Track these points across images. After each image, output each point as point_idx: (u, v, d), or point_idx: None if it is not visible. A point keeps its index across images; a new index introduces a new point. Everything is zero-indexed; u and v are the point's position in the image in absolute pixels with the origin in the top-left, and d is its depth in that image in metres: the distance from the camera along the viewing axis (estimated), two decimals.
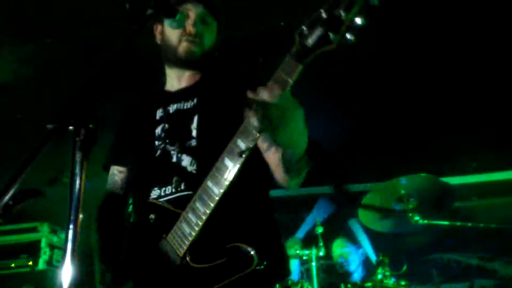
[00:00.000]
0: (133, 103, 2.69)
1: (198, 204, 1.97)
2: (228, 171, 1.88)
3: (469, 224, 4.71)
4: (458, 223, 4.70)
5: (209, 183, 1.94)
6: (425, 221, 4.59)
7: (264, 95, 1.63)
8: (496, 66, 4.95)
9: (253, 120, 1.68)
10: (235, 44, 4.13)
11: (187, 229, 2.01)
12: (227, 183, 1.89)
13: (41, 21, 4.17)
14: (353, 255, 5.56)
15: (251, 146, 1.82)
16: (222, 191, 1.91)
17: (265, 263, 1.97)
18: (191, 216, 2.00)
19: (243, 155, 1.84)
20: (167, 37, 2.47)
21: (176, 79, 2.54)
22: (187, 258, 2.02)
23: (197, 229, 1.98)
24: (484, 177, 6.68)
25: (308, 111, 1.88)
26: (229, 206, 2.00)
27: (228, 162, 1.88)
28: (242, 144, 1.83)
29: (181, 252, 2.03)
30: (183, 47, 2.42)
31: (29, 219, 6.31)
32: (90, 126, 1.32)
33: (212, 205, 1.93)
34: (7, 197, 1.27)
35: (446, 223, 4.76)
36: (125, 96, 2.68)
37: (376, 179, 6.14)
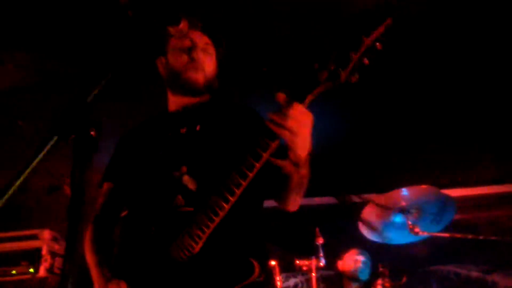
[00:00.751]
0: (134, 128, 2.76)
1: (203, 217, 2.06)
2: (235, 187, 2.03)
3: (469, 236, 4.71)
4: (458, 235, 4.70)
5: (215, 198, 2.05)
6: (425, 233, 4.60)
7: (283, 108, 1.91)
8: (497, 78, 4.96)
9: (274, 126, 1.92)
10: (239, 54, 4.16)
11: (191, 242, 2.08)
12: (232, 199, 2.04)
13: (41, 29, 4.19)
14: (367, 267, 5.49)
15: (260, 163, 2.00)
16: (227, 206, 2.04)
17: (263, 275, 2.08)
18: (195, 229, 2.07)
19: (251, 173, 2.01)
20: (171, 65, 2.58)
21: (179, 104, 2.62)
22: (190, 269, 2.09)
23: (200, 241, 2.07)
24: (484, 189, 6.68)
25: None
26: (232, 221, 2.12)
27: (236, 179, 2.03)
28: (251, 161, 2.00)
29: (183, 263, 2.09)
30: (187, 74, 2.52)
31: (30, 226, 6.31)
32: (91, 133, 1.34)
33: (216, 219, 2.05)
34: None
35: (445, 235, 4.76)
36: (125, 103, 2.70)
37: (376, 190, 6.14)
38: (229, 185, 2.04)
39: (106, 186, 2.61)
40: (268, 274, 2.34)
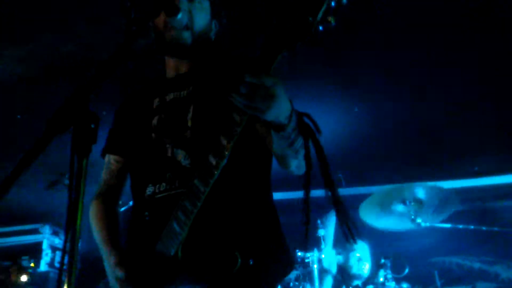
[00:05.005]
0: (134, 92, 2.57)
1: (186, 203, 1.93)
2: (212, 168, 1.85)
3: (471, 227, 4.71)
4: (460, 226, 4.69)
5: (196, 181, 1.90)
6: (428, 224, 4.59)
7: (250, 78, 1.63)
8: (498, 69, 4.94)
9: (240, 102, 1.67)
10: (233, 39, 4.12)
11: (177, 228, 1.96)
12: (211, 180, 1.85)
13: (39, 20, 4.17)
14: (362, 264, 5.35)
15: (233, 140, 1.79)
16: (207, 189, 1.86)
17: (251, 262, 1.92)
18: (180, 214, 1.95)
19: (226, 151, 1.81)
20: (156, 23, 2.25)
21: (172, 67, 2.39)
22: (178, 258, 1.98)
23: (186, 228, 1.94)
24: (486, 180, 6.67)
25: (311, 113, 1.86)
26: (217, 204, 1.97)
27: (212, 159, 1.85)
28: (224, 140, 1.81)
29: (173, 251, 1.99)
30: (171, 35, 2.23)
31: (31, 220, 6.32)
32: (92, 125, 1.31)
33: (198, 203, 1.89)
34: None
35: (448, 226, 4.75)
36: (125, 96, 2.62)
37: (378, 182, 6.13)
38: (206, 166, 1.85)
39: (107, 158, 2.48)
40: (274, 258, 2.13)
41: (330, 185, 1.84)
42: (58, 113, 1.31)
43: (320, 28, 1.61)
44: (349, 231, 1.84)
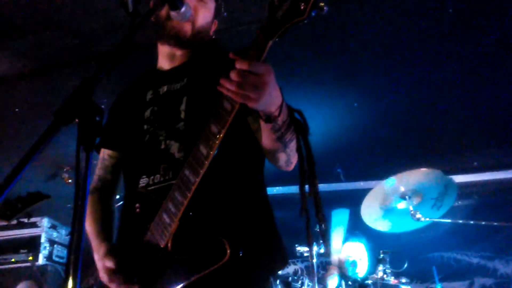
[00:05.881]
0: (125, 89, 2.57)
1: (176, 193, 1.92)
2: (203, 158, 1.82)
3: (470, 222, 4.71)
4: (460, 221, 4.69)
5: (186, 172, 1.88)
6: (427, 219, 4.58)
7: (241, 65, 1.62)
8: (498, 62, 4.94)
9: (233, 91, 1.64)
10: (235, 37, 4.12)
11: (167, 219, 1.96)
12: (202, 171, 1.83)
13: (39, 14, 4.14)
14: (355, 267, 5.29)
15: (223, 129, 1.77)
16: (197, 179, 1.84)
17: (240, 253, 1.90)
18: (170, 206, 1.94)
19: (217, 141, 1.78)
20: (158, 14, 2.26)
21: (167, 58, 2.40)
22: (168, 249, 1.98)
23: (175, 219, 1.93)
24: (485, 175, 6.67)
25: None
26: (208, 195, 1.96)
27: (203, 149, 1.82)
28: (215, 129, 1.78)
29: (162, 243, 1.98)
30: (172, 24, 2.25)
31: (29, 214, 6.30)
32: (97, 118, 1.30)
33: (188, 194, 1.87)
34: (14, 200, 1.25)
35: (447, 221, 4.75)
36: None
37: (377, 177, 6.12)
38: (197, 156, 1.84)
39: (102, 153, 2.48)
40: (265, 250, 2.14)
41: (313, 184, 1.81)
42: (64, 105, 1.30)
43: (313, 13, 1.58)
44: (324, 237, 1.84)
